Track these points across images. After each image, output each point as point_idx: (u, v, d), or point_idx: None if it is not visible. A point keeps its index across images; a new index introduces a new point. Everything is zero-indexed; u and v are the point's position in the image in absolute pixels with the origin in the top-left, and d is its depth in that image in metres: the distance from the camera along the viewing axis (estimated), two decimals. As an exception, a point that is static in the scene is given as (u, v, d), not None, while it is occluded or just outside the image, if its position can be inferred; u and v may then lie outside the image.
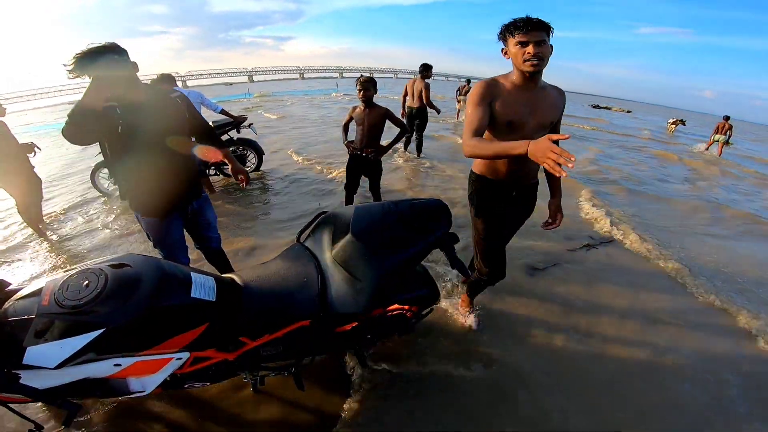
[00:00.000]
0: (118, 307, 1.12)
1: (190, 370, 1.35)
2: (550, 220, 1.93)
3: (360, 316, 1.41)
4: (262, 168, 5.16)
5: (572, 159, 1.16)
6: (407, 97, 5.87)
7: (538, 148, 1.25)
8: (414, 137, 6.15)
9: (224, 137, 4.65)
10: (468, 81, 12.97)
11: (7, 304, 1.17)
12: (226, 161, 2.03)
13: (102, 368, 1.15)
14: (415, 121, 5.91)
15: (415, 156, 6.16)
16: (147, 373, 1.22)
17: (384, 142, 3.18)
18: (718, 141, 10.73)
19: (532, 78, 1.54)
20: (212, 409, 1.69)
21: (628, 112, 30.08)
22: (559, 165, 1.16)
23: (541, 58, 1.46)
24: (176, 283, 1.26)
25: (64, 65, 1.40)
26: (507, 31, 1.49)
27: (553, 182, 1.93)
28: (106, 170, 4.21)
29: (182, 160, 1.81)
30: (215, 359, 1.37)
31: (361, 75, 3.08)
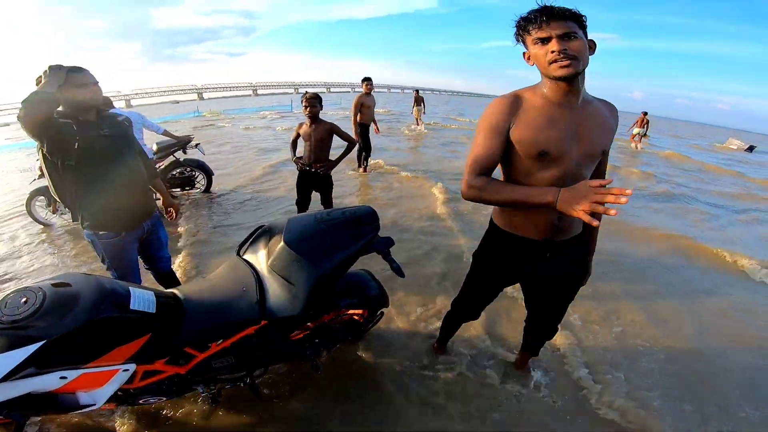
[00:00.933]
0: (57, 321, 1.14)
1: (141, 384, 1.37)
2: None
3: (301, 318, 1.48)
4: (212, 189, 5.07)
5: (626, 193, 0.88)
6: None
7: (574, 197, 0.96)
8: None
9: (170, 158, 4.58)
10: (417, 91, 13.71)
11: None
12: (155, 191, 2.13)
13: (48, 382, 1.17)
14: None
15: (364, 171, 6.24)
16: (95, 386, 1.25)
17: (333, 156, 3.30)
18: (639, 133, 12.57)
19: (568, 86, 1.13)
20: (173, 425, 1.69)
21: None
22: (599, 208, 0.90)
23: (572, 57, 1.06)
24: (115, 296, 1.29)
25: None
26: (521, 28, 1.13)
27: (590, 232, 1.48)
28: (42, 198, 3.99)
29: (137, 177, 1.88)
30: (167, 373, 1.41)
31: (306, 92, 3.20)
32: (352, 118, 5.76)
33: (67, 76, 1.56)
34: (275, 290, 1.44)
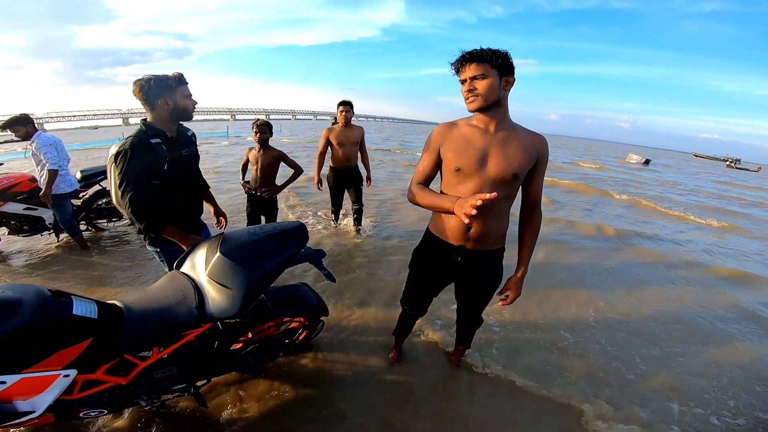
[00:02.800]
0: (0, 323, 1.18)
1: (82, 395, 1.40)
2: (503, 295, 1.70)
3: (239, 318, 1.60)
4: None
5: (485, 197, 1.15)
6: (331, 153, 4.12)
7: (461, 204, 1.24)
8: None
9: (96, 187, 4.36)
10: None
11: None
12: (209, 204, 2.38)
13: None
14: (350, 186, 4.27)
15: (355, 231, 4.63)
16: (34, 393, 1.27)
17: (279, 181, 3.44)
18: None
19: (488, 117, 1.41)
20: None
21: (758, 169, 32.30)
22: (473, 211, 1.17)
23: (477, 95, 1.34)
24: (56, 302, 1.34)
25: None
26: (455, 71, 1.39)
27: (521, 252, 1.65)
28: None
29: (200, 193, 2.14)
30: (108, 384, 1.44)
31: (258, 119, 3.31)
32: (316, 159, 4.11)
33: (182, 82, 1.74)
34: (213, 295, 1.54)
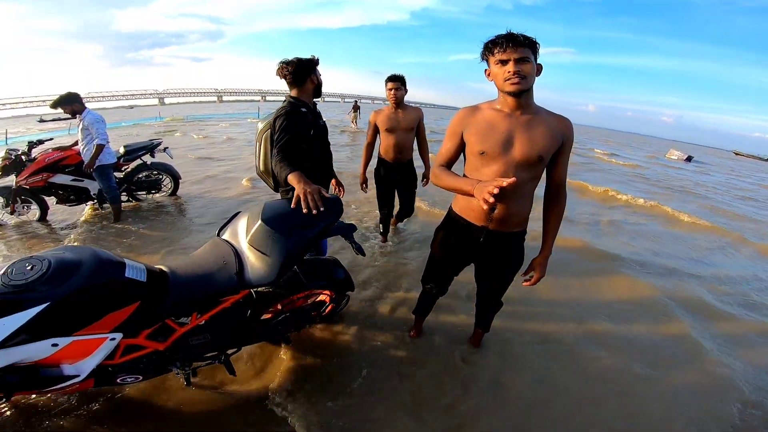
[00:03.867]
0: (60, 284, 1.23)
1: (121, 360, 1.45)
2: (527, 276, 1.71)
3: (275, 286, 1.65)
4: (179, 192, 5.10)
5: (503, 184, 1.17)
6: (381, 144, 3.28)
7: (481, 189, 1.24)
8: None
9: (137, 161, 4.61)
10: (356, 101, 18.92)
11: None
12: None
13: (39, 349, 1.24)
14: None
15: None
16: (81, 356, 1.33)
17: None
18: None
19: (517, 101, 1.41)
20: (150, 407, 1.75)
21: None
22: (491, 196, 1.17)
23: (523, 77, 1.33)
24: (111, 264, 1.40)
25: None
26: (487, 49, 1.38)
27: (546, 233, 1.67)
28: (0, 198, 3.94)
29: (330, 159, 2.37)
30: (147, 349, 1.50)
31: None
32: (363, 152, 3.32)
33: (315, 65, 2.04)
34: (252, 262, 1.59)
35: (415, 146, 3.32)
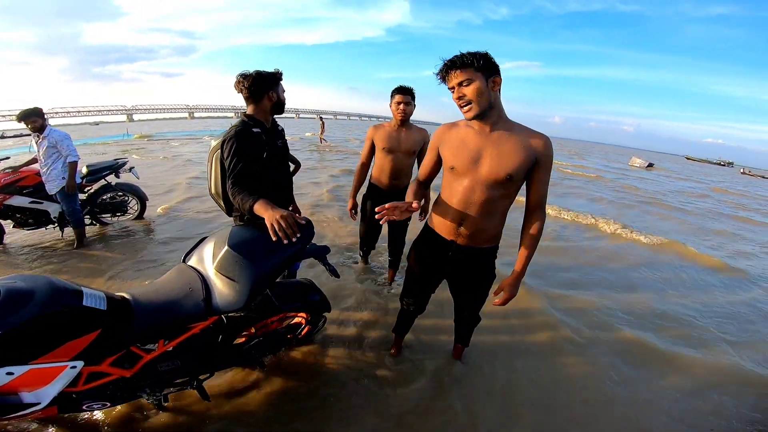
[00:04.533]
0: (14, 313, 1.21)
1: (86, 387, 1.41)
2: (498, 296, 1.63)
3: (245, 312, 1.62)
4: (145, 215, 4.86)
5: (384, 207, 1.40)
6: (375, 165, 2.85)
7: (393, 205, 1.43)
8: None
9: (101, 182, 4.39)
10: (320, 117, 20.28)
11: None
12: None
13: None
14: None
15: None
16: (40, 385, 1.28)
17: None
18: None
19: (480, 121, 1.43)
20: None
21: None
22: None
23: (468, 102, 1.36)
24: (67, 292, 1.37)
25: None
26: (441, 79, 1.42)
27: (519, 254, 1.59)
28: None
29: (288, 184, 2.24)
30: (112, 376, 1.45)
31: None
32: (356, 173, 2.89)
33: (279, 81, 1.92)
34: (220, 288, 1.57)
35: (415, 172, 2.58)
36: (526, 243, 1.58)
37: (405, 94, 2.51)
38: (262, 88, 1.87)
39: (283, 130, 2.21)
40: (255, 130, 1.88)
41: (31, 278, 1.36)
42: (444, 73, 1.38)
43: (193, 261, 1.75)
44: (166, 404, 1.75)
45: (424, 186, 1.79)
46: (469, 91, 1.33)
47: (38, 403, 1.31)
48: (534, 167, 1.45)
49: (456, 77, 1.35)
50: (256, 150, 1.86)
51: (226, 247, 1.60)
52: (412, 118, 2.68)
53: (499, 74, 1.37)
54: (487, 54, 1.33)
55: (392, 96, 2.57)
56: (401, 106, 2.54)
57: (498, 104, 1.42)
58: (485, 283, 1.79)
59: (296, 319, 2.20)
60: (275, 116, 2.04)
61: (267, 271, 1.60)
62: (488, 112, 1.39)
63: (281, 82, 1.95)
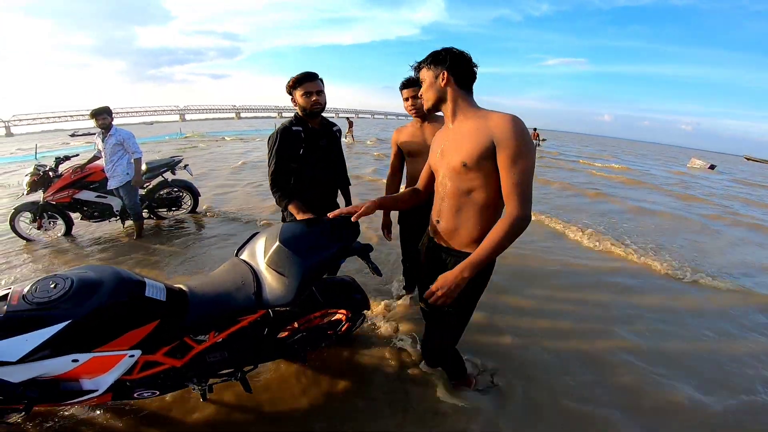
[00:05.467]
0: (82, 303, 1.27)
1: (139, 376, 1.47)
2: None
3: (292, 306, 1.63)
4: (198, 209, 5.18)
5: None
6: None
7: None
8: None
9: (159, 178, 4.71)
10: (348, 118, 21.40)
11: None
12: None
13: (60, 364, 1.27)
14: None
15: None
16: (100, 372, 1.35)
17: None
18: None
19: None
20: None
21: (543, 140, 31.31)
22: None
23: (417, 108, 2.07)
24: (132, 283, 1.43)
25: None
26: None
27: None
28: (28, 213, 4.08)
29: (333, 184, 2.32)
30: (164, 365, 1.51)
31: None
32: (386, 185, 2.55)
33: (299, 83, 1.96)
34: (270, 283, 1.60)
35: None
36: (487, 236, 1.29)
37: (412, 87, 2.16)
38: (289, 91, 2.04)
39: (337, 131, 2.27)
40: (295, 128, 2.02)
41: (99, 269, 1.44)
42: (402, 87, 2.02)
43: (245, 255, 1.80)
44: (210, 394, 1.79)
45: (413, 193, 1.74)
46: (417, 102, 1.69)
47: (96, 390, 1.37)
48: (495, 152, 1.25)
49: (411, 92, 1.89)
50: (293, 147, 2.01)
51: (277, 243, 1.63)
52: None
53: (449, 68, 1.34)
54: (435, 52, 1.38)
55: (401, 90, 2.22)
56: (409, 102, 2.20)
57: (452, 97, 1.38)
58: (457, 299, 1.36)
59: (337, 316, 2.22)
60: (323, 116, 2.14)
61: (315, 267, 1.62)
62: (446, 106, 1.41)
63: (302, 85, 1.97)
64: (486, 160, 1.28)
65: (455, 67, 1.34)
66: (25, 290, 1.28)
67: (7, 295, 1.30)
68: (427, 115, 2.24)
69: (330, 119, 2.28)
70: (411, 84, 2.17)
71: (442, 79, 1.34)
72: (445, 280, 1.31)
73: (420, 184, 1.70)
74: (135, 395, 1.54)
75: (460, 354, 1.88)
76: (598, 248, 4.46)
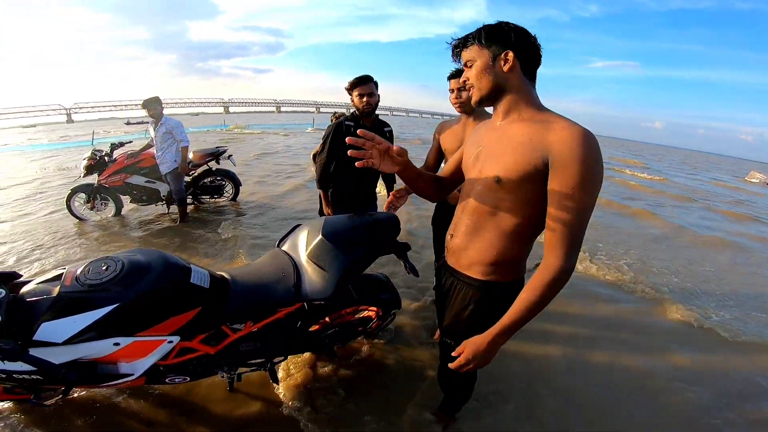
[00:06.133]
0: (131, 286, 1.28)
1: (174, 361, 1.48)
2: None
3: (330, 301, 1.60)
4: (238, 198, 5.34)
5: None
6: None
7: None
8: None
9: (204, 167, 4.90)
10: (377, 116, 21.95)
11: (26, 288, 1.31)
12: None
13: (101, 347, 1.29)
14: None
15: None
16: (139, 356, 1.36)
17: None
18: None
19: (495, 110, 1.13)
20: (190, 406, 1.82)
21: None
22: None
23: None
24: (178, 269, 1.44)
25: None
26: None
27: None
28: (82, 194, 4.33)
29: (375, 179, 2.47)
30: (198, 352, 1.52)
31: (336, 112, 3.48)
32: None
33: (355, 85, 2.18)
34: (310, 276, 1.60)
35: None
36: (522, 292, 1.03)
37: (459, 77, 1.84)
38: (348, 91, 2.25)
39: (388, 131, 2.41)
40: (347, 123, 2.23)
41: (148, 252, 1.46)
42: (449, 77, 1.77)
43: (286, 246, 1.80)
44: (237, 383, 1.81)
45: (435, 180, 1.36)
46: (470, 74, 1.07)
47: (132, 375, 1.38)
48: (546, 173, 0.96)
49: (456, 84, 1.75)
50: (342, 143, 2.11)
51: (320, 236, 1.62)
52: None
53: (516, 49, 1.00)
54: (496, 24, 1.03)
55: (449, 83, 1.96)
56: (454, 93, 1.93)
57: (516, 88, 1.04)
58: (467, 329, 1.18)
59: (367, 313, 2.20)
60: (377, 115, 2.36)
61: (355, 263, 1.61)
62: (499, 98, 1.07)
63: (357, 88, 2.19)
64: (529, 183, 1.00)
65: (523, 48, 1.00)
66: (79, 271, 1.31)
67: (61, 275, 1.34)
68: (473, 110, 1.91)
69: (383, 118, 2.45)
70: (459, 74, 1.85)
71: (505, 63, 1.00)
72: (476, 349, 1.06)
73: (442, 175, 1.36)
74: (167, 380, 1.56)
75: (475, 380, 1.55)
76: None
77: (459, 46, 1.07)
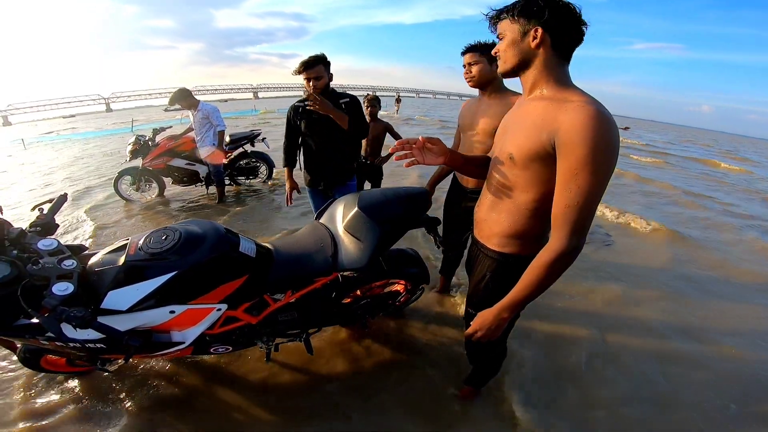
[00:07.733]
0: (188, 254, 1.33)
1: (219, 331, 1.53)
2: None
3: (364, 271, 1.65)
4: (272, 179, 5.52)
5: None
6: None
7: None
8: None
9: (240, 149, 5.08)
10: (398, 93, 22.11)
11: (94, 259, 1.37)
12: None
13: (158, 315, 1.34)
14: None
15: None
16: (191, 324, 1.41)
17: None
18: None
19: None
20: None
21: (626, 128, 27.69)
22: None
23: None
24: (228, 239, 1.50)
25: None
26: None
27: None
28: (128, 177, 4.61)
29: (336, 151, 2.45)
30: (242, 321, 1.57)
31: (368, 93, 3.49)
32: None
33: (302, 71, 2.21)
34: (347, 246, 1.66)
35: None
36: (525, 271, 1.05)
37: (471, 52, 1.85)
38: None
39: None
40: (298, 104, 2.39)
41: (201, 223, 1.52)
42: (462, 53, 1.78)
43: (324, 219, 1.87)
44: (274, 353, 1.84)
45: (486, 160, 1.33)
46: (474, 69, 1.32)
47: (183, 343, 1.43)
48: (554, 153, 0.95)
49: (469, 59, 1.74)
50: (294, 120, 2.41)
51: (356, 209, 1.68)
52: None
53: (549, 25, 0.97)
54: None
55: (462, 55, 1.91)
56: (468, 67, 1.89)
57: (541, 65, 1.03)
58: (483, 299, 1.26)
59: (396, 287, 2.24)
60: (336, 91, 2.40)
61: (389, 234, 1.66)
62: (522, 72, 1.07)
63: (305, 71, 2.18)
64: (538, 161, 1.00)
65: (555, 24, 0.97)
66: (141, 241, 1.36)
67: (125, 245, 1.39)
68: (485, 85, 1.88)
69: (347, 93, 2.45)
70: (473, 49, 1.86)
71: (533, 38, 0.98)
72: (483, 320, 1.13)
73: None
74: (211, 350, 1.62)
75: (505, 356, 1.62)
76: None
77: (494, 18, 1.07)
